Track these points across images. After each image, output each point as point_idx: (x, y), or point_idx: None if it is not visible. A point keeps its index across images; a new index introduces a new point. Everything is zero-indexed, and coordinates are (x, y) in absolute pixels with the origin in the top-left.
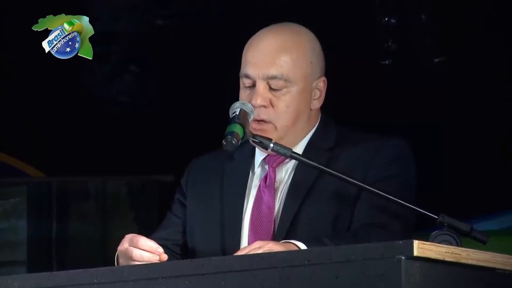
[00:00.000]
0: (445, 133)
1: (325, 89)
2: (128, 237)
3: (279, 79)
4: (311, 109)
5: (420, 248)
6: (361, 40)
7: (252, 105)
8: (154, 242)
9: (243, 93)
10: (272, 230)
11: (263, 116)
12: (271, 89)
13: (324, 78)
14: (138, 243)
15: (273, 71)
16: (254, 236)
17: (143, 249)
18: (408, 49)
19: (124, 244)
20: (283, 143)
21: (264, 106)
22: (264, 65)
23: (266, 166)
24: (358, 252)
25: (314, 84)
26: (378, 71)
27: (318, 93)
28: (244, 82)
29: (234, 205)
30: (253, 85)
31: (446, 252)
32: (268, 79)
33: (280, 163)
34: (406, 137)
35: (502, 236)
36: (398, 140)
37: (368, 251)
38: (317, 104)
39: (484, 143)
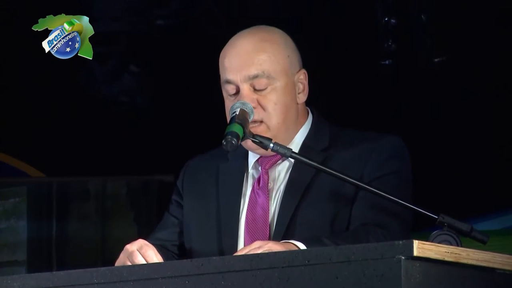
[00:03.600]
0: (445, 133)
1: (307, 82)
2: (141, 242)
3: (261, 77)
4: (297, 104)
5: (420, 248)
6: (361, 40)
7: None
8: (161, 258)
9: (228, 101)
10: (268, 232)
11: (254, 117)
12: (255, 89)
13: (304, 71)
14: (146, 254)
15: (253, 71)
16: (250, 238)
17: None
18: (408, 49)
19: (133, 247)
20: (277, 140)
21: (253, 107)
22: (244, 67)
23: (259, 168)
24: (358, 252)
25: (296, 78)
26: (378, 71)
27: (301, 87)
28: (227, 89)
29: (230, 206)
30: (237, 91)
31: (446, 252)
32: (251, 79)
33: (273, 164)
34: (406, 137)
35: (502, 236)
36: (392, 137)
37: (368, 251)
38: (302, 97)
39: (484, 143)
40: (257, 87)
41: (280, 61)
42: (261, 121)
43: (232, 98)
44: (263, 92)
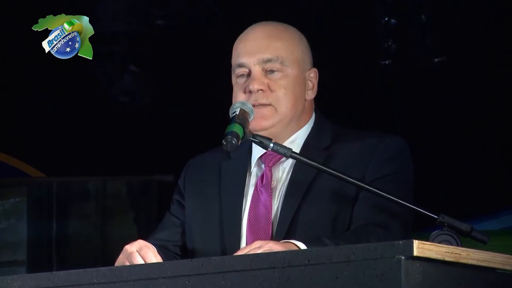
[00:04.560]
0: (445, 132)
1: (317, 81)
2: (141, 243)
3: (275, 61)
4: (306, 100)
5: (420, 248)
6: (361, 40)
7: (250, 91)
8: (160, 259)
9: (238, 87)
10: (270, 230)
11: (262, 100)
12: (267, 74)
13: (315, 69)
14: (145, 256)
15: (268, 55)
16: (252, 236)
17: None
18: (408, 49)
19: (133, 247)
20: (279, 127)
21: (262, 90)
22: (259, 51)
23: (263, 165)
24: (358, 252)
25: (307, 74)
26: (378, 71)
27: (311, 84)
28: (238, 72)
29: (232, 204)
30: (248, 74)
31: (446, 252)
32: (264, 63)
33: (277, 162)
34: (406, 137)
35: (502, 236)
36: (394, 138)
37: (368, 251)
38: (311, 94)
39: (484, 143)
40: (269, 70)
41: (294, 52)
42: (270, 104)
43: (242, 80)
44: (275, 77)
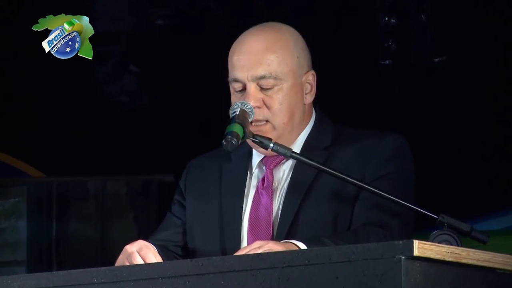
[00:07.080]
0: (445, 132)
1: (315, 83)
2: (141, 243)
3: (268, 78)
4: (304, 104)
5: (420, 248)
6: (361, 40)
7: None
8: (160, 259)
9: (235, 98)
10: (271, 232)
11: (258, 116)
12: (262, 89)
13: (312, 72)
14: (145, 256)
15: (261, 71)
16: (253, 237)
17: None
18: (408, 49)
19: (133, 248)
20: (281, 140)
21: (258, 107)
22: (252, 67)
23: (264, 168)
24: (358, 252)
25: (304, 78)
26: (378, 71)
27: (309, 87)
28: (234, 86)
29: (233, 206)
30: (244, 89)
31: (446, 252)
32: (258, 79)
33: (277, 164)
34: (406, 137)
35: (502, 236)
36: (394, 136)
37: (368, 251)
38: (309, 98)
39: (484, 143)
40: (263, 87)
41: (289, 62)
42: (266, 121)
43: (239, 95)
44: (269, 92)
